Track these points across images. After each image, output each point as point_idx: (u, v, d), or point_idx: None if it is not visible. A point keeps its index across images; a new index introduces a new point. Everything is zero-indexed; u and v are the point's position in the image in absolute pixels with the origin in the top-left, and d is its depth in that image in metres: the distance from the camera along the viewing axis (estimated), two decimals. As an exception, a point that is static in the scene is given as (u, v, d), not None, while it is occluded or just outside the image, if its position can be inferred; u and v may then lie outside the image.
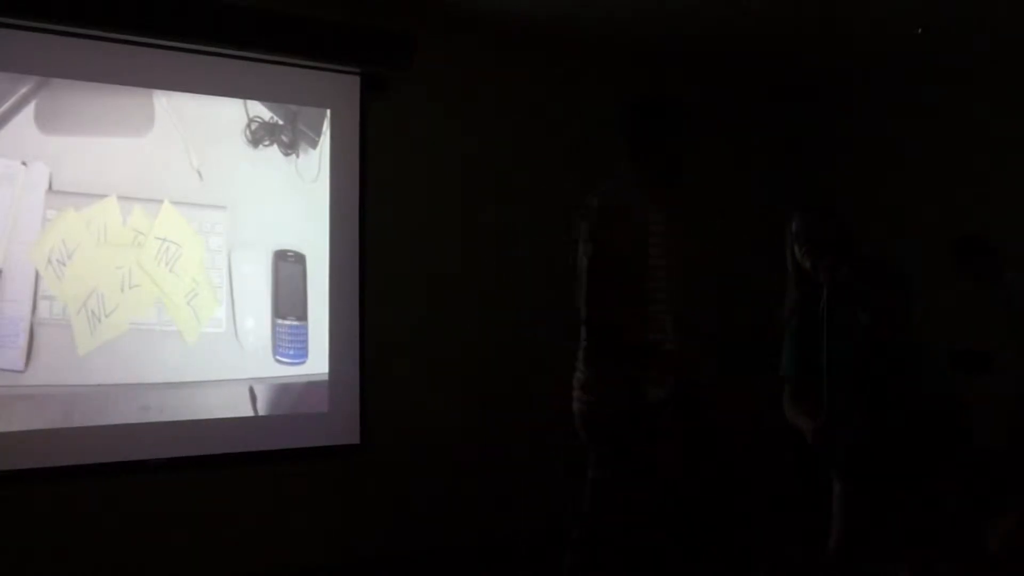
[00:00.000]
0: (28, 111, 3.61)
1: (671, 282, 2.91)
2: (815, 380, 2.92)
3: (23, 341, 3.57)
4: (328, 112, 4.23)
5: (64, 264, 3.66)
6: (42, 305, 3.62)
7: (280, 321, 4.09)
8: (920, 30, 4.35)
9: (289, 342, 4.10)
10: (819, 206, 3.16)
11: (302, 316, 4.15)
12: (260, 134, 4.08)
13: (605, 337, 2.86)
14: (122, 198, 3.77)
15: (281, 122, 4.13)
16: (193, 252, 3.92)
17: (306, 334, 4.15)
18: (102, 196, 3.73)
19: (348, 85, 4.26)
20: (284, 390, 4.09)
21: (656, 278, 2.88)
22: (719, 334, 4.64)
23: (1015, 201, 4.72)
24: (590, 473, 2.91)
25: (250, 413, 4.02)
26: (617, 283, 2.82)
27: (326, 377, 4.18)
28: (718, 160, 5.07)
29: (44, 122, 3.63)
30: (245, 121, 4.06)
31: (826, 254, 2.91)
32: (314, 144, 4.21)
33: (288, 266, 4.12)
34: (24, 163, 3.60)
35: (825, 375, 2.88)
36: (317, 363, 4.17)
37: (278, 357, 4.08)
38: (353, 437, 4.24)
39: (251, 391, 4.02)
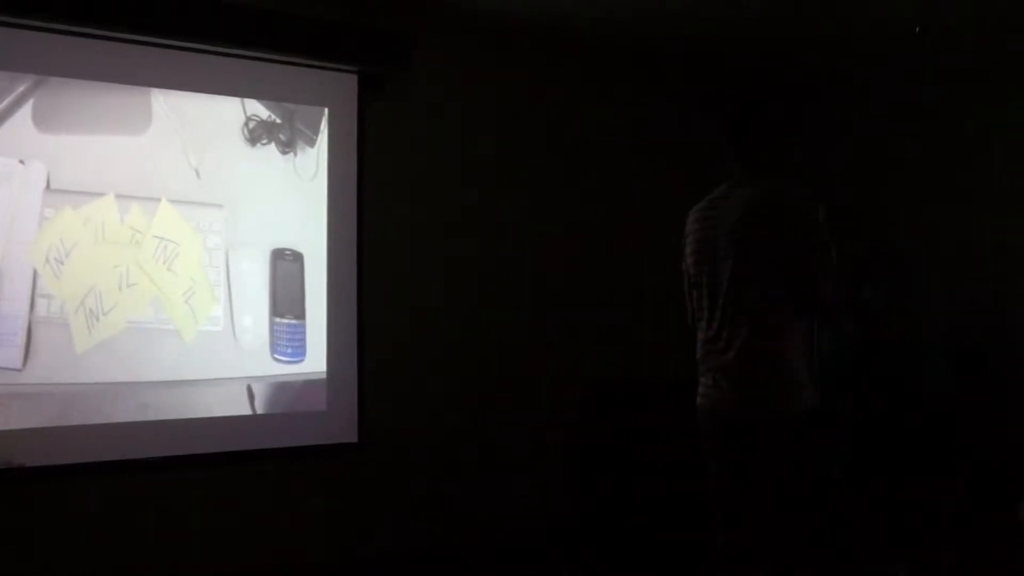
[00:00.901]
0: (26, 109, 3.61)
1: None
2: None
3: (21, 339, 3.57)
4: (326, 111, 4.22)
5: (62, 262, 3.66)
6: (40, 303, 3.61)
7: (278, 320, 4.09)
8: (918, 29, 4.34)
9: (287, 341, 4.10)
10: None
11: (300, 315, 4.14)
12: (258, 133, 4.08)
13: None
14: (120, 196, 3.77)
15: (279, 120, 4.13)
16: (191, 250, 3.91)
17: (304, 333, 4.14)
18: (100, 194, 3.73)
19: (345, 84, 4.25)
20: (282, 388, 4.09)
21: None
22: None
23: (1015, 201, 4.71)
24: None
25: (248, 412, 4.02)
26: None
27: (324, 376, 4.17)
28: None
29: (41, 121, 3.63)
30: (243, 120, 4.05)
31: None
32: (312, 143, 4.20)
33: (286, 264, 4.12)
34: (22, 161, 3.60)
35: (818, 376, 2.88)
36: (315, 362, 4.16)
37: (276, 356, 4.08)
38: (351, 436, 4.23)
39: (249, 389, 4.02)
